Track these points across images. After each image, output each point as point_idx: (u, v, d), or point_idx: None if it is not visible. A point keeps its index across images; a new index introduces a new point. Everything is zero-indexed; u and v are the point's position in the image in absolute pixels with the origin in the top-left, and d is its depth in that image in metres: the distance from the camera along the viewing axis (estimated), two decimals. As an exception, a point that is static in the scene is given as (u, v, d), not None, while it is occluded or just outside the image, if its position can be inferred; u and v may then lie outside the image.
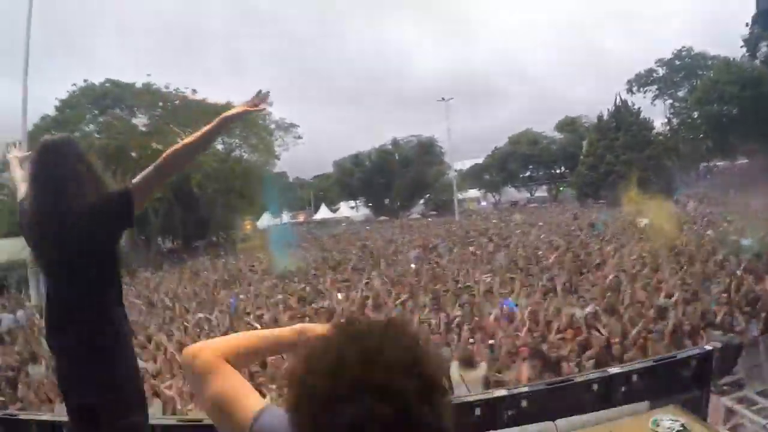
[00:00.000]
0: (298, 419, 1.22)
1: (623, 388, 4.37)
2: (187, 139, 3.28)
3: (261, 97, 3.41)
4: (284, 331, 1.90)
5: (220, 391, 1.59)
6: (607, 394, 4.31)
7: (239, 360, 1.73)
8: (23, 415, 5.51)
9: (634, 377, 4.41)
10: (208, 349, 1.71)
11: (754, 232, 19.82)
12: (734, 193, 39.66)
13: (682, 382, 4.54)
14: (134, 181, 3.26)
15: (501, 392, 4.39)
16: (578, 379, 4.71)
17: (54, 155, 3.31)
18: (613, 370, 4.65)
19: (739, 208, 29.02)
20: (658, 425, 4.02)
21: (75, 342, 3.27)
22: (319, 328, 1.82)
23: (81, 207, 3.17)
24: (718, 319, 10.38)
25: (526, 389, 4.59)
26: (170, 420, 5.08)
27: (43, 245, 3.31)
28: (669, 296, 12.02)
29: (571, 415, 4.21)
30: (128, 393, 3.45)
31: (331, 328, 1.34)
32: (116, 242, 3.45)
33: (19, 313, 21.17)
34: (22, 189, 3.71)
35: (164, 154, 3.27)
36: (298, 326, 1.90)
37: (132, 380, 3.56)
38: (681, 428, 3.93)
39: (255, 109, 3.40)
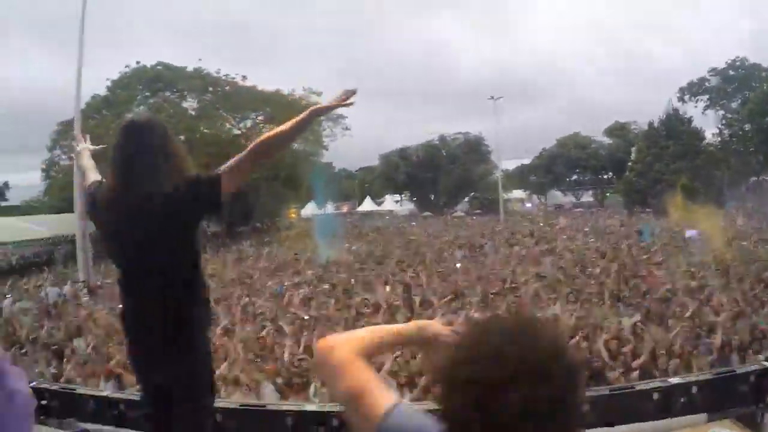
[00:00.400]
0: (455, 408, 1.37)
1: (682, 399, 4.46)
2: (278, 129, 3.33)
3: (348, 93, 3.37)
4: (404, 328, 2.05)
5: (354, 384, 1.69)
6: (666, 404, 4.40)
7: (368, 354, 1.85)
8: (81, 390, 5.61)
9: (694, 389, 4.50)
10: (343, 343, 1.84)
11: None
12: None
13: (739, 396, 4.63)
14: (224, 166, 3.29)
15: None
16: (639, 387, 4.81)
17: (140, 134, 3.33)
18: (674, 380, 4.74)
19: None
20: (715, 438, 4.14)
21: (155, 326, 3.32)
22: (437, 325, 2.02)
23: (169, 188, 3.18)
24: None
25: (588, 393, 4.69)
26: (232, 404, 5.23)
27: (124, 227, 3.27)
28: (717, 311, 11.99)
29: (630, 423, 4.33)
30: (202, 378, 3.59)
31: (473, 323, 1.52)
32: (199, 226, 3.48)
33: (65, 287, 21.41)
34: (91, 177, 3.83)
35: (255, 142, 3.33)
36: (418, 323, 2.06)
37: (207, 366, 3.71)
38: (737, 441, 4.05)
39: (343, 104, 3.38)
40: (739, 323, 11.13)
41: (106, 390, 8.86)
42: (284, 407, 4.58)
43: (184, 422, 3.54)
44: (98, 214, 3.49)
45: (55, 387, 5.32)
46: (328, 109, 3.49)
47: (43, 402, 5.07)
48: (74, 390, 5.31)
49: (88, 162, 4.11)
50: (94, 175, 3.85)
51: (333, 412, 4.28)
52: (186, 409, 3.51)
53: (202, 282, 3.53)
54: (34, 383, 5.21)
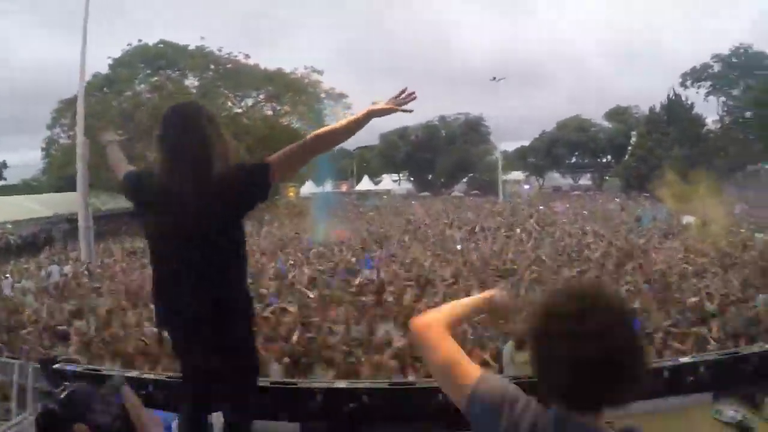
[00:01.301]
0: (551, 356, 1.74)
1: (690, 378, 4.64)
2: (333, 126, 3.37)
3: (407, 97, 3.39)
4: (476, 300, 2.39)
5: (448, 357, 2.02)
6: (675, 382, 4.57)
7: (453, 327, 2.17)
8: (107, 371, 5.60)
9: (701, 368, 4.68)
10: (437, 320, 2.16)
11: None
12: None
13: (743, 377, 4.81)
14: (274, 156, 3.28)
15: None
16: (651, 365, 4.97)
17: (187, 121, 3.31)
18: (683, 359, 4.92)
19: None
20: (720, 414, 4.34)
21: (200, 313, 3.32)
22: (499, 294, 2.37)
23: (220, 174, 3.17)
24: (763, 326, 10.49)
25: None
26: (263, 381, 5.33)
27: (174, 213, 3.19)
28: (714, 298, 12.18)
29: (641, 400, 4.50)
30: (248, 360, 3.73)
31: (559, 289, 1.88)
32: (245, 214, 3.43)
33: (66, 267, 21.34)
34: (123, 168, 3.84)
35: (309, 136, 3.35)
36: (485, 294, 2.39)
37: (252, 355, 3.84)
38: (742, 419, 4.25)
39: (402, 109, 3.40)
40: (734, 311, 11.35)
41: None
42: (315, 385, 4.70)
43: (232, 399, 3.72)
44: (143, 198, 3.45)
45: (79, 368, 5.33)
46: (385, 112, 3.41)
47: (66, 384, 5.05)
48: (99, 371, 5.34)
49: (119, 154, 4.15)
50: (126, 167, 3.88)
51: (362, 389, 4.45)
52: (233, 388, 3.68)
53: (245, 269, 3.57)
54: (57, 365, 5.22)
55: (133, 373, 5.19)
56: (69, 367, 5.17)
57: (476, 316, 2.33)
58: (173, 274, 3.38)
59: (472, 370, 1.97)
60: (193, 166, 3.19)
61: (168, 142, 3.30)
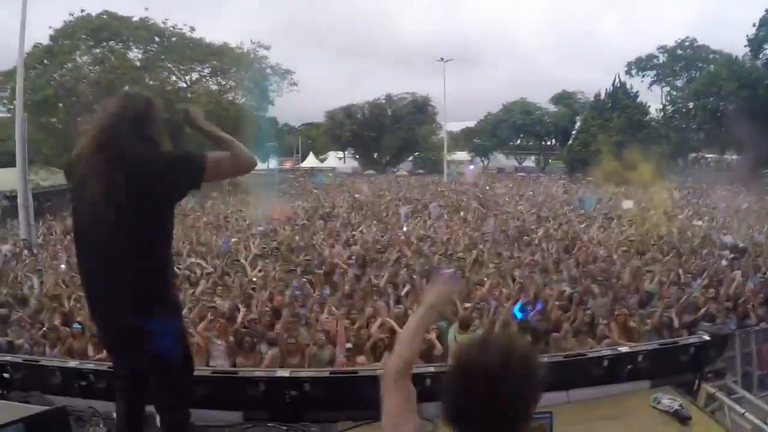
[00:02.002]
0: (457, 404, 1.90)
1: (629, 366, 4.72)
2: (248, 156, 3.55)
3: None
4: (422, 317, 2.41)
5: (393, 406, 2.18)
6: (615, 371, 4.65)
7: (411, 362, 2.32)
8: (45, 361, 5.49)
9: (640, 357, 4.76)
10: (407, 366, 2.28)
11: (738, 230, 20.31)
12: (721, 186, 40.07)
13: (680, 366, 4.91)
14: (212, 155, 3.42)
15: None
16: (591, 355, 5.05)
17: (128, 107, 3.34)
18: (622, 349, 5.00)
19: (726, 203, 29.46)
20: (658, 402, 4.42)
21: (127, 295, 3.27)
22: (437, 294, 2.43)
23: (155, 160, 3.23)
24: (702, 311, 10.72)
25: (545, 359, 4.92)
26: (204, 371, 5.27)
27: (106, 191, 3.13)
28: (657, 283, 12.43)
29: (582, 387, 4.57)
30: (176, 350, 3.57)
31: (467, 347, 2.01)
32: (176, 201, 3.49)
33: (5, 246, 20.63)
34: None
35: (238, 152, 3.50)
36: (424, 307, 2.41)
37: (181, 339, 3.73)
38: (679, 407, 4.33)
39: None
40: (675, 295, 11.58)
41: (55, 358, 8.81)
42: (257, 373, 4.67)
43: (163, 389, 3.60)
44: (79, 177, 3.39)
45: (18, 359, 5.20)
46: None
47: (5, 375, 4.92)
48: (38, 362, 5.21)
49: None
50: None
51: (304, 378, 4.42)
52: (164, 378, 3.57)
53: (171, 252, 3.58)
54: None
55: (72, 364, 5.06)
56: (8, 358, 5.08)
57: (434, 322, 2.36)
58: (96, 264, 3.37)
59: (410, 421, 2.11)
60: (132, 151, 3.19)
61: (105, 125, 3.30)
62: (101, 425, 4.10)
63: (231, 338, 9.07)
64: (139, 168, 3.16)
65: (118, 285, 3.26)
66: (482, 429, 1.85)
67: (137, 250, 3.23)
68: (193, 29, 51.47)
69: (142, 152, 3.22)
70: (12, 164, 24.37)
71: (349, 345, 8.96)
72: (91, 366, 4.74)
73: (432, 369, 4.53)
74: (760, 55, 58.54)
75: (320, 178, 61.43)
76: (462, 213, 27.36)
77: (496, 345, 1.88)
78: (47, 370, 4.82)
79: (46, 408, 4.20)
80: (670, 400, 4.42)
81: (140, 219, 3.19)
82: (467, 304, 10.65)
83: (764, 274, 13.78)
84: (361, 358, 8.45)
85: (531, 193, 39.32)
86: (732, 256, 15.84)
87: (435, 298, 2.39)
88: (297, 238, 19.17)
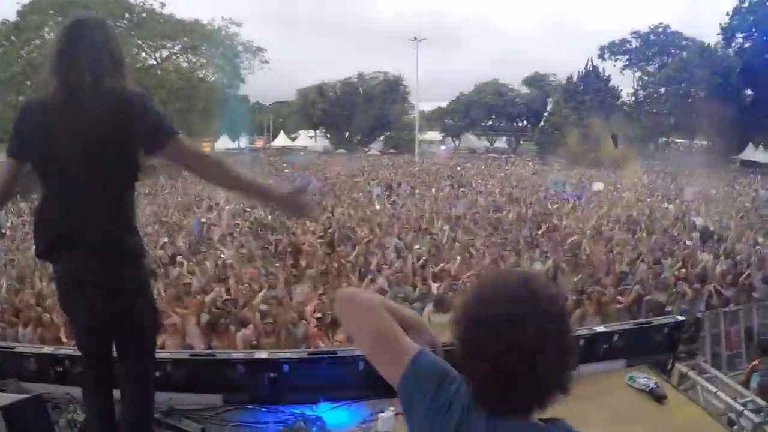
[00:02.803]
0: (476, 339, 1.62)
1: (605, 346, 4.74)
2: (230, 169, 3.16)
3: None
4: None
5: (386, 326, 1.89)
6: (589, 350, 4.66)
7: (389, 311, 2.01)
8: (20, 348, 5.36)
9: (615, 337, 4.78)
10: (366, 293, 2.09)
11: (706, 213, 20.56)
12: (690, 171, 40.49)
13: (654, 346, 4.94)
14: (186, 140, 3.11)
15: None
16: (567, 334, 5.05)
17: (87, 33, 2.99)
18: (599, 328, 5.01)
19: (695, 187, 29.76)
20: (634, 381, 4.44)
21: (89, 257, 3.04)
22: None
23: (121, 99, 2.93)
24: (671, 291, 10.84)
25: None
26: (182, 354, 5.19)
27: (66, 136, 2.89)
28: (629, 262, 12.56)
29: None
30: (143, 315, 3.38)
31: (488, 276, 2.02)
32: (138, 153, 3.10)
33: None
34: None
35: (209, 157, 3.28)
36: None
37: (149, 303, 3.51)
38: (654, 386, 4.34)
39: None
40: (644, 273, 11.72)
41: (24, 340, 8.71)
42: (234, 356, 4.58)
43: (130, 364, 3.41)
44: (32, 123, 3.07)
45: None
46: (283, 205, 3.27)
47: None
48: (12, 348, 5.08)
49: None
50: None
51: (282, 359, 4.37)
52: (128, 352, 3.40)
53: (133, 207, 3.29)
54: None
55: (47, 350, 4.96)
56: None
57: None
58: (62, 200, 3.07)
59: (412, 344, 1.86)
60: (95, 84, 2.89)
61: (64, 58, 2.95)
62: (79, 411, 4.01)
63: (205, 316, 9.02)
64: (118, 107, 2.89)
65: (89, 226, 2.99)
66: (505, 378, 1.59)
67: (108, 192, 3.01)
68: (163, 5, 51.01)
69: (123, 91, 2.95)
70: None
71: (318, 315, 9.07)
72: (67, 351, 4.63)
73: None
74: (732, 44, 59.33)
75: (296, 158, 61.29)
76: (433, 191, 27.48)
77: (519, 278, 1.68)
78: (22, 357, 4.71)
79: (23, 396, 4.11)
80: (645, 378, 4.42)
81: (112, 160, 2.94)
82: (438, 283, 10.74)
83: (731, 256, 13.94)
84: (340, 336, 8.43)
85: (502, 174, 39.43)
86: (701, 237, 16.05)
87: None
88: (269, 217, 19.00)
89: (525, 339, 1.54)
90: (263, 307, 9.33)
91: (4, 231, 18.88)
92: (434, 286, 10.61)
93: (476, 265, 12.36)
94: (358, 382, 4.20)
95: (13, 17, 47.17)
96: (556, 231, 16.16)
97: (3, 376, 4.57)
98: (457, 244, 14.43)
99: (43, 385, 4.37)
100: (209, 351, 6.69)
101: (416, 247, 13.98)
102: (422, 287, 10.75)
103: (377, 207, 22.35)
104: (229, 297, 9.96)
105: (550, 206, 22.02)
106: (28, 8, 47.49)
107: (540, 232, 16.22)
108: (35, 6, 47.53)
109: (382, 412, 3.85)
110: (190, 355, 4.78)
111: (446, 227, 16.60)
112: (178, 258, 13.11)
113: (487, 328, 1.58)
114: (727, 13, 57.87)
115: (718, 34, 59.51)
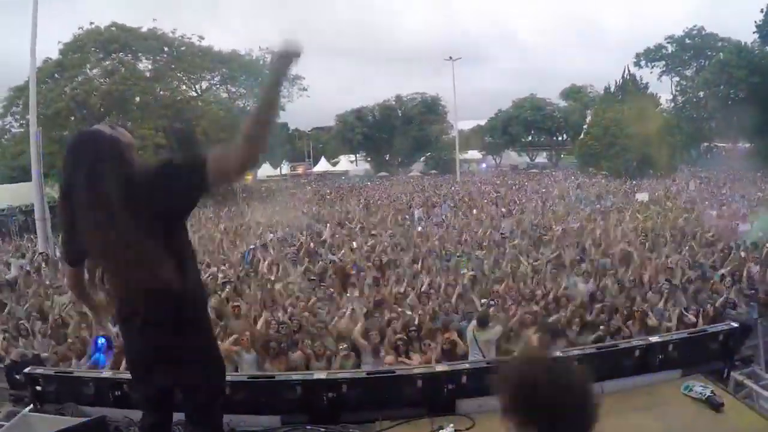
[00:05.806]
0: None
1: (660, 356, 4.76)
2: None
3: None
4: None
5: None
6: (646, 361, 4.68)
7: None
8: (79, 373, 5.47)
9: (670, 347, 4.79)
10: None
11: (755, 219, 20.17)
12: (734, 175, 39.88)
13: (709, 354, 4.95)
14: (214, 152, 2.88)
15: (557, 354, 4.73)
16: (623, 346, 5.08)
17: (89, 145, 3.07)
18: (653, 339, 5.03)
19: (740, 192, 29.29)
20: (690, 390, 4.45)
21: (157, 314, 3.12)
22: None
23: (133, 180, 2.92)
24: (719, 302, 10.73)
25: (576, 352, 4.98)
26: (241, 377, 5.31)
27: (102, 226, 2.91)
28: (674, 277, 12.45)
29: (614, 378, 4.60)
30: (210, 363, 3.50)
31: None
32: (185, 210, 3.19)
33: (22, 261, 20.46)
34: None
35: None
36: None
37: (213, 349, 3.61)
38: (711, 394, 4.36)
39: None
40: (694, 287, 11.66)
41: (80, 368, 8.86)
42: (293, 377, 4.66)
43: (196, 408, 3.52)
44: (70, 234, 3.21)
45: (50, 371, 5.20)
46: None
47: (38, 387, 4.90)
48: (71, 373, 5.22)
49: None
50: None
51: (341, 379, 4.46)
52: (197, 399, 3.48)
53: (194, 267, 3.39)
54: (28, 369, 5.10)
55: (106, 374, 5.08)
56: (39, 371, 5.09)
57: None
58: (119, 274, 3.12)
59: None
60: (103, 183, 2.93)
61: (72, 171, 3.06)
62: (139, 433, 4.10)
63: (257, 346, 9.19)
64: (135, 189, 2.89)
65: (150, 305, 3.07)
66: None
67: (158, 267, 2.95)
68: (201, 38, 52.06)
69: (131, 173, 2.96)
70: (27, 178, 24.61)
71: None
72: (124, 376, 4.74)
73: (467, 366, 4.57)
74: (770, 42, 58.24)
75: (330, 183, 61.64)
76: (475, 211, 27.44)
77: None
78: (81, 381, 4.83)
79: (86, 419, 4.24)
80: (702, 387, 4.45)
81: (152, 238, 2.92)
82: (483, 301, 10.84)
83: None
84: (389, 359, 8.54)
85: (544, 190, 39.11)
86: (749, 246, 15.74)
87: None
88: (312, 244, 19.09)
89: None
90: (312, 330, 9.49)
91: (49, 261, 19.19)
92: (479, 303, 10.74)
93: (523, 286, 12.45)
94: (416, 401, 4.30)
95: (55, 55, 48.02)
96: (601, 248, 16.04)
97: (62, 400, 4.72)
98: (503, 264, 14.49)
99: (101, 409, 4.51)
100: (268, 373, 6.79)
101: (462, 269, 14.06)
102: (467, 307, 10.90)
103: (419, 229, 22.48)
104: (282, 321, 10.06)
105: (591, 222, 21.70)
106: (69, 46, 48.65)
107: (585, 251, 16.08)
108: (76, 44, 48.81)
109: (441, 429, 3.92)
110: (249, 378, 4.89)
111: (492, 247, 16.60)
112: (222, 287, 13.15)
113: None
114: (762, 10, 56.62)
115: (754, 32, 57.89)
